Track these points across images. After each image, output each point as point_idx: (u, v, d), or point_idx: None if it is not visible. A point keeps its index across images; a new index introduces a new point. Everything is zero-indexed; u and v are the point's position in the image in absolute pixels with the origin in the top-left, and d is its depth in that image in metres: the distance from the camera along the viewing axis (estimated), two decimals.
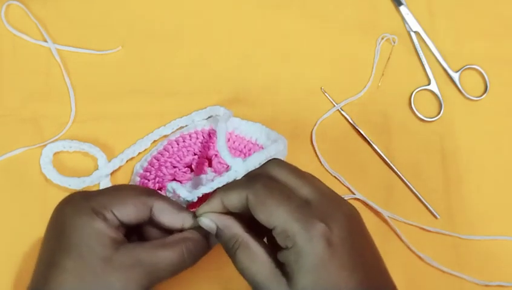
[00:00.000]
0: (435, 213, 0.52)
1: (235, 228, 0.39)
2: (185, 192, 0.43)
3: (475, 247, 0.52)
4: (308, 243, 0.35)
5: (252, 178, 0.39)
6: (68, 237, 0.38)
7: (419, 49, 0.57)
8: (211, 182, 0.43)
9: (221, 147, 0.46)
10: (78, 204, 0.40)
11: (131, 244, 0.39)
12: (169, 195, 0.44)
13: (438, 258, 0.51)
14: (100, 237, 0.38)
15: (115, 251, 0.38)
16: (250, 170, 0.43)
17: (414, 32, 0.57)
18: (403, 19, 0.58)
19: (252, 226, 0.39)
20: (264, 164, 0.40)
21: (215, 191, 0.41)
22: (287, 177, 0.38)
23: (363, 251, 0.37)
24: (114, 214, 0.39)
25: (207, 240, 0.42)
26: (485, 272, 0.51)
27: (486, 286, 0.50)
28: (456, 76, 0.56)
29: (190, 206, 0.46)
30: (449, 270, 0.51)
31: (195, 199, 0.44)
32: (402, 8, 0.58)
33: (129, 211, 0.40)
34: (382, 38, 0.57)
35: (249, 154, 0.51)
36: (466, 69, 0.57)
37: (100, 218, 0.39)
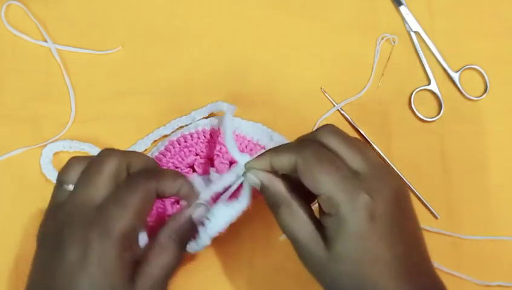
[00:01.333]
0: (435, 213, 0.52)
1: (279, 186, 0.40)
2: (197, 190, 0.44)
3: (475, 247, 0.52)
4: (350, 213, 0.36)
5: (303, 143, 0.40)
6: (90, 263, 0.36)
7: (419, 49, 0.57)
8: (221, 179, 0.44)
9: (228, 142, 0.46)
10: (105, 233, 0.37)
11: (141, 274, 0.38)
12: None
13: (438, 258, 0.51)
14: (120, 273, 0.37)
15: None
16: None
17: (414, 32, 0.57)
18: (403, 19, 0.58)
19: (296, 187, 0.40)
20: (317, 129, 0.41)
21: (265, 151, 0.42)
22: (338, 146, 0.39)
23: (405, 227, 0.38)
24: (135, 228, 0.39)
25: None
26: (485, 272, 0.51)
27: (486, 286, 0.50)
28: (456, 76, 0.56)
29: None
30: (449, 271, 0.51)
31: (207, 198, 0.44)
32: (402, 8, 0.58)
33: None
34: (382, 38, 0.57)
35: (250, 155, 0.51)
36: (466, 69, 0.57)
37: (128, 253, 0.38)
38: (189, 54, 0.56)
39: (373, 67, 0.56)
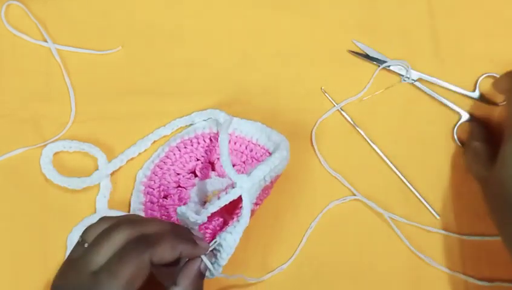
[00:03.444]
0: (435, 213, 0.52)
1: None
2: (194, 215, 0.43)
3: (475, 247, 0.52)
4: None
5: None
6: None
7: None
8: (217, 200, 0.44)
9: (224, 162, 0.46)
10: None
11: None
12: (180, 218, 0.43)
13: (438, 258, 0.51)
14: None
15: None
16: (255, 184, 0.45)
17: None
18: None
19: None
20: None
21: None
22: None
23: None
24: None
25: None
26: (485, 272, 0.51)
27: (486, 286, 0.50)
28: None
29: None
30: (450, 271, 0.51)
31: (205, 220, 0.43)
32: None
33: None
34: None
35: (251, 155, 0.51)
36: None
37: None
38: (189, 53, 0.56)
39: None
